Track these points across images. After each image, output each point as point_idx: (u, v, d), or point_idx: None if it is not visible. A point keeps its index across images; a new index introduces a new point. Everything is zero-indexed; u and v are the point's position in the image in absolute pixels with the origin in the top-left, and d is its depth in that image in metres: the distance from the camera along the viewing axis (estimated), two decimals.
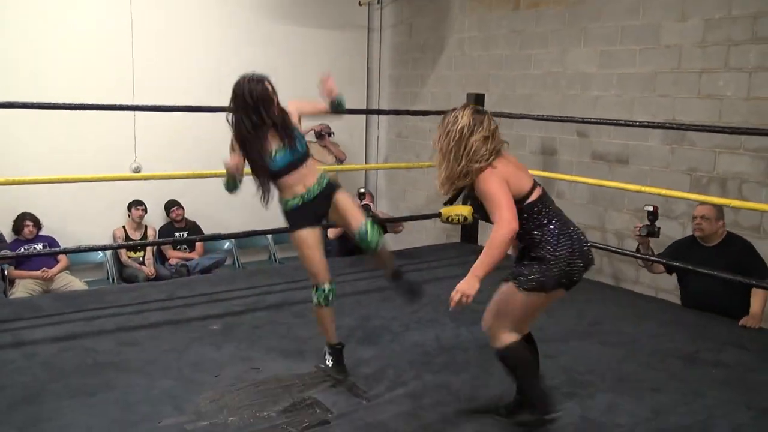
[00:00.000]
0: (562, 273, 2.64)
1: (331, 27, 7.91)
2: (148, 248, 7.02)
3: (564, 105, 6.14)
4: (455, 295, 2.55)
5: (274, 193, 3.30)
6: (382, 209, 7.80)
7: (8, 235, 6.40)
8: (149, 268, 6.90)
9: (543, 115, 5.71)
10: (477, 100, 5.57)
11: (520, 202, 2.63)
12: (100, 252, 6.90)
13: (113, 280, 6.87)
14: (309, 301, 4.39)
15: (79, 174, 5.34)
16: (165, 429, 2.76)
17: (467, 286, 2.55)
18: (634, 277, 5.64)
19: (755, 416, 2.99)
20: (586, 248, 2.71)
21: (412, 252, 5.88)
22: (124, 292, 4.69)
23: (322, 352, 3.35)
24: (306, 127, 4.19)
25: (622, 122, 5.13)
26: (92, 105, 4.46)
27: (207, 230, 7.16)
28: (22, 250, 6.13)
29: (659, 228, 4.50)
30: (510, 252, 2.72)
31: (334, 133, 7.65)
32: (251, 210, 7.98)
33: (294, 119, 3.24)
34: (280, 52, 7.28)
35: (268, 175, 3.23)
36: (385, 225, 5.82)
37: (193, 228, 7.25)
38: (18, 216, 6.33)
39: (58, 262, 6.41)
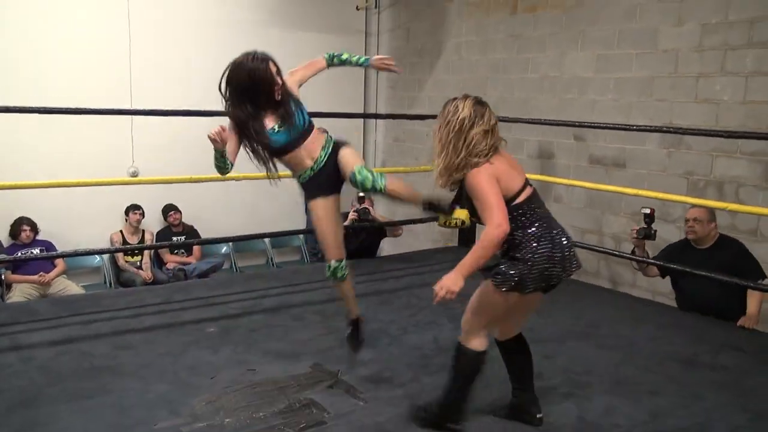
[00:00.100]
0: (539, 276, 2.60)
1: (328, 31, 7.93)
2: (146, 252, 7.01)
3: (561, 109, 6.15)
4: (439, 291, 2.55)
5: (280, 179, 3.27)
6: (381, 213, 7.80)
7: (5, 240, 6.39)
8: (146, 272, 6.89)
9: (540, 119, 5.72)
10: None
11: (507, 202, 2.61)
12: (97, 256, 6.89)
13: (110, 284, 6.86)
14: (306, 304, 4.42)
15: (76, 178, 5.33)
16: None
17: (451, 282, 2.54)
18: (632, 280, 5.64)
19: (752, 419, 2.99)
20: (567, 254, 2.67)
21: (411, 255, 5.89)
22: (121, 296, 4.68)
23: (318, 354, 3.35)
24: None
25: (620, 126, 5.14)
26: (89, 109, 4.46)
27: (204, 234, 7.15)
28: (19, 254, 6.11)
29: (655, 231, 4.51)
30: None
31: None
32: (248, 214, 8.05)
33: (295, 92, 3.19)
34: (278, 57, 7.17)
35: (270, 153, 3.15)
36: (384, 228, 5.82)
37: (191, 232, 7.24)
38: (15, 220, 6.33)
39: (55, 266, 6.40)
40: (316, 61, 3.42)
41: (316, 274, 5.21)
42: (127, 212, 6.95)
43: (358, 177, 3.05)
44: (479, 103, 2.70)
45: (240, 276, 6.79)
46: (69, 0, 6.57)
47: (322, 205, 3.21)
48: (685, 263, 4.29)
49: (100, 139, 6.60)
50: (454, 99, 2.73)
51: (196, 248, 7.34)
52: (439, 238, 7.34)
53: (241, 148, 3.17)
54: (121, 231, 6.97)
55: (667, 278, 4.64)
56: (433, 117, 6.06)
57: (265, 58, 3.06)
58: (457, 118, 2.64)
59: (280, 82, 3.08)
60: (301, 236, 8.04)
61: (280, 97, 3.09)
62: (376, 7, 8.30)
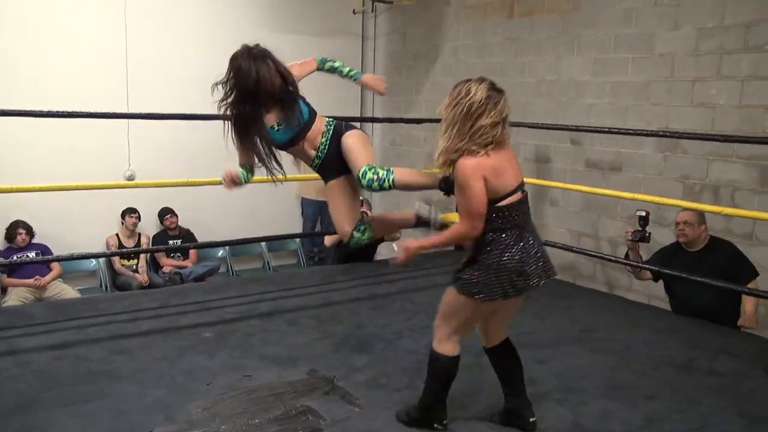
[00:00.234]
0: (504, 284, 2.55)
1: (325, 35, 7.93)
2: (142, 256, 7.00)
3: (558, 112, 6.16)
4: (401, 254, 2.59)
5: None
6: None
7: (1, 243, 6.38)
8: (142, 276, 6.88)
9: (537, 123, 5.73)
10: None
11: (490, 201, 2.53)
12: (93, 260, 6.88)
13: (106, 288, 6.84)
14: (302, 309, 4.42)
15: (72, 181, 5.33)
16: None
17: (413, 241, 2.58)
18: (627, 284, 5.64)
19: (748, 424, 2.99)
20: (535, 267, 2.58)
21: None
22: (117, 300, 4.68)
23: (314, 359, 3.34)
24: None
25: (616, 130, 5.15)
26: (85, 113, 4.45)
27: (201, 238, 7.15)
28: (15, 258, 6.10)
29: (650, 233, 4.52)
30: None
31: None
32: (245, 217, 8.03)
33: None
34: None
35: (274, 148, 3.15)
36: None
37: (187, 236, 7.23)
38: (11, 224, 6.31)
39: (50, 270, 6.39)
40: (309, 61, 3.41)
41: (312, 277, 5.22)
42: (123, 215, 6.94)
43: (364, 182, 2.99)
44: (495, 89, 2.56)
45: (236, 280, 6.78)
46: (67, 3, 6.56)
47: (334, 185, 3.22)
48: (677, 266, 4.30)
49: (97, 142, 6.58)
50: (468, 80, 2.57)
51: (192, 252, 7.33)
52: None
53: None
54: (117, 234, 6.95)
55: (661, 282, 4.65)
56: (430, 121, 6.12)
57: (264, 55, 3.03)
58: (467, 101, 2.50)
59: (277, 79, 3.04)
60: (298, 240, 8.04)
61: (292, 88, 3.08)
62: (372, 10, 8.30)
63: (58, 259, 5.82)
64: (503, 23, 6.75)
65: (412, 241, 2.63)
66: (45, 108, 4.26)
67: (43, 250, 6.35)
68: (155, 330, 3.95)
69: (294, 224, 7.79)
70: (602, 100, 5.84)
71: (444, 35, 7.50)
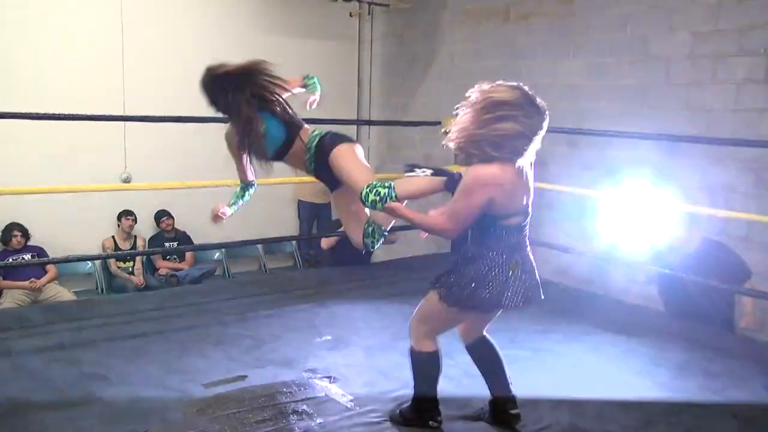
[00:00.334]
0: (483, 298, 2.53)
1: (321, 38, 7.95)
2: (138, 258, 6.99)
3: (554, 116, 6.13)
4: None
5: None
6: None
7: None
8: (138, 278, 6.87)
9: None
10: None
11: (493, 217, 2.49)
12: (89, 262, 6.87)
13: (102, 290, 6.83)
14: (297, 310, 4.41)
15: (68, 184, 5.32)
16: None
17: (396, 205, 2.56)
18: (624, 286, 5.65)
19: (742, 425, 3.00)
20: (512, 293, 2.53)
21: (405, 263, 5.89)
22: (112, 302, 4.67)
23: (309, 361, 3.33)
24: None
25: (611, 133, 5.16)
26: (82, 116, 4.45)
27: (197, 240, 7.14)
28: (10, 260, 6.09)
29: None
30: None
31: None
32: (241, 220, 7.97)
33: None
34: (271, 63, 7.29)
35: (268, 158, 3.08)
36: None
37: (183, 238, 7.23)
38: (6, 226, 6.30)
39: (46, 272, 6.37)
40: (297, 80, 3.30)
41: (308, 280, 5.22)
42: (119, 218, 6.93)
43: (367, 204, 2.74)
44: (534, 104, 2.47)
45: (232, 282, 6.78)
46: (64, 5, 6.56)
47: (335, 196, 3.15)
48: (672, 268, 4.31)
49: (93, 145, 6.58)
50: (517, 85, 2.47)
51: (188, 254, 7.33)
52: (433, 245, 7.34)
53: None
54: (113, 237, 6.95)
55: (655, 284, 4.67)
56: (426, 123, 6.12)
57: (252, 70, 3.03)
58: (497, 98, 2.40)
59: (275, 97, 3.01)
60: (294, 242, 8.04)
61: (278, 109, 3.01)
62: (369, 14, 8.32)
63: (54, 262, 5.81)
64: (499, 27, 6.76)
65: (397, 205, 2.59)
66: (42, 110, 4.25)
67: (39, 252, 6.33)
68: (151, 332, 3.94)
69: (290, 226, 7.79)
70: (598, 104, 5.85)
71: (440, 39, 7.51)
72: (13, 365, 3.39)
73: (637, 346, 3.94)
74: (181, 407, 2.98)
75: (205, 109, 3.30)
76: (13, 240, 6.25)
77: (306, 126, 3.12)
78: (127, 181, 6.86)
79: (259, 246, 7.66)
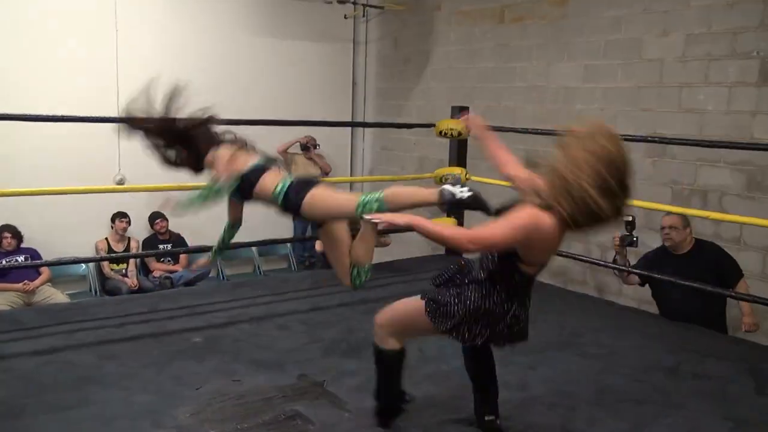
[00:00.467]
0: (470, 328, 2.50)
1: (316, 40, 7.95)
2: (131, 260, 6.98)
3: (548, 118, 6.19)
4: (384, 216, 2.37)
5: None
6: None
7: None
8: (132, 280, 6.86)
9: (527, 128, 5.75)
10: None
11: (516, 256, 2.38)
12: (82, 264, 6.85)
13: (96, 292, 6.82)
14: (292, 313, 4.41)
15: (62, 185, 5.31)
16: None
17: (398, 217, 2.35)
18: (618, 288, 5.67)
19: (735, 427, 3.01)
20: (497, 331, 2.50)
21: (399, 264, 5.89)
22: (106, 304, 4.65)
23: (303, 364, 3.33)
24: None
25: None
26: (75, 117, 4.44)
27: (191, 242, 7.13)
28: (3, 262, 6.07)
29: (637, 238, 4.54)
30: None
31: (319, 146, 7.66)
32: None
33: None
34: (267, 65, 7.31)
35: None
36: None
37: (177, 240, 7.22)
38: None
39: (40, 274, 6.36)
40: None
41: (303, 282, 5.21)
42: (113, 220, 6.92)
43: (367, 209, 2.66)
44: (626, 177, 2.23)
45: (227, 284, 6.76)
46: (58, 8, 6.55)
47: (320, 234, 3.09)
48: (664, 270, 4.33)
49: (87, 146, 6.57)
50: (619, 139, 2.27)
51: (182, 256, 7.31)
52: (427, 247, 7.34)
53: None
54: (106, 239, 6.94)
55: (646, 287, 4.68)
56: (421, 125, 6.11)
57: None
58: (606, 159, 2.18)
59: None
60: (288, 244, 8.03)
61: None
62: (364, 15, 8.32)
63: (47, 264, 5.80)
64: (494, 29, 6.78)
65: (398, 217, 2.39)
66: (35, 111, 4.24)
67: (32, 254, 6.32)
68: (144, 335, 3.93)
69: (285, 229, 7.77)
70: (592, 106, 5.87)
71: (435, 40, 7.52)
72: (4, 368, 3.38)
73: (629, 348, 3.94)
74: (174, 411, 2.98)
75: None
76: (4, 242, 6.23)
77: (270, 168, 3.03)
78: (121, 182, 6.85)
79: (254, 248, 7.65)
